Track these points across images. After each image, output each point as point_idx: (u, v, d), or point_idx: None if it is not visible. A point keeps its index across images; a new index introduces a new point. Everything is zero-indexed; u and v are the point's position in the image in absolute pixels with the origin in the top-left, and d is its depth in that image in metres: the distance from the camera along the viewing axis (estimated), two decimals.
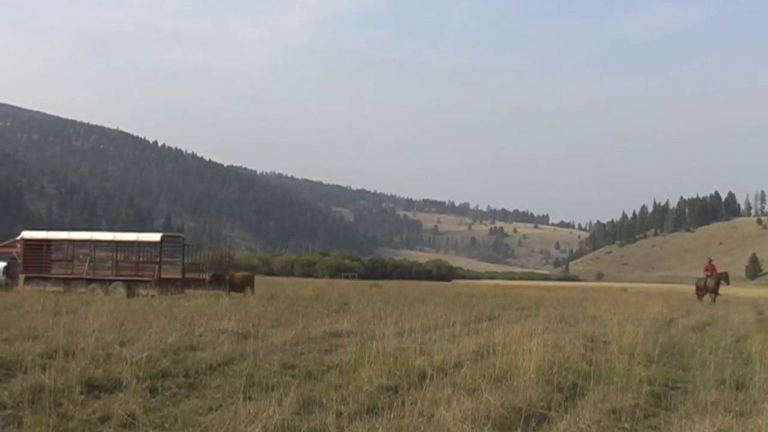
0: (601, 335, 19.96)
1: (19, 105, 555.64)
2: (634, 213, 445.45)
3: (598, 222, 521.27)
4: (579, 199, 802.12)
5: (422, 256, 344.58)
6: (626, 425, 10.20)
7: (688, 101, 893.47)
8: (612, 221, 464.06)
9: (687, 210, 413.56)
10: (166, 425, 9.40)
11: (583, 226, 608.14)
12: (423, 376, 12.55)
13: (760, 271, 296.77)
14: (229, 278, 41.32)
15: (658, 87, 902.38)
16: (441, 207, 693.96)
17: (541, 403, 10.96)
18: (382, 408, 10.29)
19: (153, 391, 11.32)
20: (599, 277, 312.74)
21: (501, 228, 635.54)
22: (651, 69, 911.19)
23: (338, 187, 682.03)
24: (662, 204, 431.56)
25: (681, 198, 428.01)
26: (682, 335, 21.97)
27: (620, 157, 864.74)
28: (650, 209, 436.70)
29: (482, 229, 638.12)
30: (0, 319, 19.41)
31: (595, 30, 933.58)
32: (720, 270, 48.25)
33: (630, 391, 12.00)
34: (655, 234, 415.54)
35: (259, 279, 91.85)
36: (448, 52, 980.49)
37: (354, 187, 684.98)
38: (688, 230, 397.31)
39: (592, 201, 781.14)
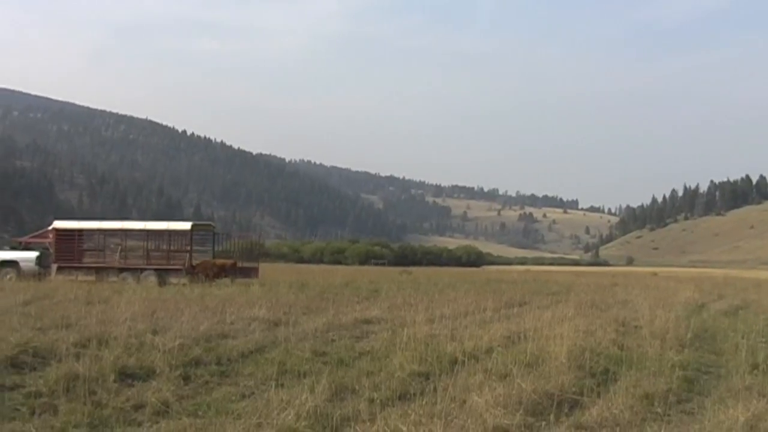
0: (633, 320, 19.91)
1: (49, 96, 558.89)
2: (663, 197, 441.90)
3: (627, 206, 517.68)
4: (608, 184, 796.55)
5: (452, 243, 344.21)
6: (659, 410, 10.18)
7: (718, 84, 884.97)
8: (642, 205, 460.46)
9: (717, 193, 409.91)
10: (199, 413, 9.45)
11: (613, 210, 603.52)
12: (454, 362, 12.60)
13: None
14: (200, 265, 40.19)
15: (688, 70, 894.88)
16: (470, 193, 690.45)
17: (573, 389, 10.97)
18: (414, 394, 10.34)
19: (186, 379, 11.40)
20: (629, 261, 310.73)
21: (530, 213, 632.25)
22: (681, 52, 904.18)
23: (367, 174, 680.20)
24: (692, 188, 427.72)
25: (711, 181, 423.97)
26: (713, 320, 21.89)
27: (650, 141, 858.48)
28: (680, 193, 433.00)
29: (511, 214, 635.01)
30: (34, 308, 19.55)
31: (622, 14, 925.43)
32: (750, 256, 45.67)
33: (662, 375, 11.96)
34: (686, 218, 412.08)
35: (288, 267, 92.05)
36: (477, 39, 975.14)
37: (383, 174, 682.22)
38: (718, 214, 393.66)
39: (622, 185, 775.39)
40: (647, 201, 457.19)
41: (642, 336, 16.04)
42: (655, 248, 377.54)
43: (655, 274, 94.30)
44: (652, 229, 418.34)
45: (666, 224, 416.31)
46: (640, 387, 11.07)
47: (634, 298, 28.87)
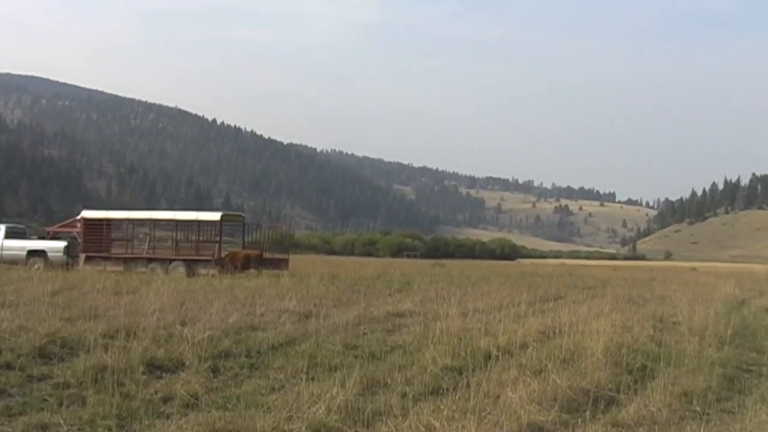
0: (671, 316, 19.76)
1: (78, 84, 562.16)
2: (703, 190, 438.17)
3: (666, 199, 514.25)
4: (646, 176, 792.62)
5: (485, 235, 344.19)
6: (698, 408, 10.04)
7: (758, 74, 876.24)
8: (681, 199, 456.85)
9: (759, 187, 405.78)
10: (229, 405, 9.40)
11: (651, 203, 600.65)
12: (488, 356, 12.55)
13: None
14: (226, 256, 40.01)
15: (728, 61, 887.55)
16: (504, 184, 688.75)
17: (610, 385, 10.92)
18: (447, 389, 10.30)
19: (215, 371, 11.39)
20: (668, 256, 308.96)
21: (566, 206, 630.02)
22: (721, 42, 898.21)
23: (399, 164, 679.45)
24: (733, 181, 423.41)
25: (753, 174, 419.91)
26: (755, 316, 21.69)
27: (689, 133, 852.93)
28: (720, 186, 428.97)
29: (547, 206, 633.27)
30: (62, 298, 19.62)
31: (661, 2, 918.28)
32: None
33: (701, 373, 11.84)
34: (726, 212, 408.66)
35: (319, 258, 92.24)
36: (512, 28, 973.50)
37: (415, 165, 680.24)
38: (760, 208, 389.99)
39: (660, 178, 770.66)
40: (686, 194, 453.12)
41: (680, 332, 15.89)
42: (694, 242, 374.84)
43: (693, 269, 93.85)
44: (691, 223, 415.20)
45: (705, 218, 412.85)
46: (678, 385, 10.97)
47: (672, 294, 28.68)
